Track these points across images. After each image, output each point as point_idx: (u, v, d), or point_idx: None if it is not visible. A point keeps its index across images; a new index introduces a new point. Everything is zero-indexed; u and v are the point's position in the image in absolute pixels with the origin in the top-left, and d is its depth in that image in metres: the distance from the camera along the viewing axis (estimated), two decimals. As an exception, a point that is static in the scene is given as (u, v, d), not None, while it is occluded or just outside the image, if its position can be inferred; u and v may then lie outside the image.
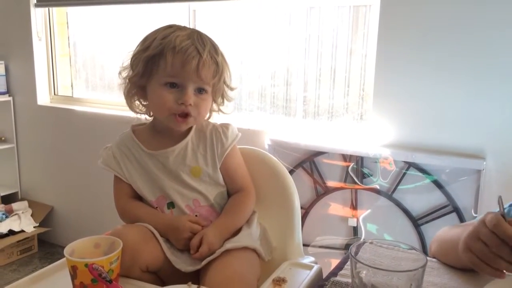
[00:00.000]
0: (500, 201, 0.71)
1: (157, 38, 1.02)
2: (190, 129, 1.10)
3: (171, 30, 1.03)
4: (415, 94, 1.85)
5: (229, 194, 1.14)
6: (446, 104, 1.81)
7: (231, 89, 1.12)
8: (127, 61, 1.07)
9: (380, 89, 1.92)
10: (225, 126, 1.12)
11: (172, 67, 1.00)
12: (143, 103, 1.10)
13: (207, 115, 1.14)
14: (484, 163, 1.74)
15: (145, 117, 1.13)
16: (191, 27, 1.22)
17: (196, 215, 1.07)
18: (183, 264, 1.00)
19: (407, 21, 1.83)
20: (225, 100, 1.13)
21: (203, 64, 1.00)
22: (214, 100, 1.10)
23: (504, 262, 0.70)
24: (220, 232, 1.03)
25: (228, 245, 1.00)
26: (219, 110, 1.14)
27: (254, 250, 1.04)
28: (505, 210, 0.90)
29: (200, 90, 1.04)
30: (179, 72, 1.00)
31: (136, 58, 1.05)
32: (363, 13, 2.06)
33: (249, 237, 1.06)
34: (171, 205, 1.08)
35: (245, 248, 1.02)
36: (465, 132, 1.79)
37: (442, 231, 1.00)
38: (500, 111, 1.73)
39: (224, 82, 1.08)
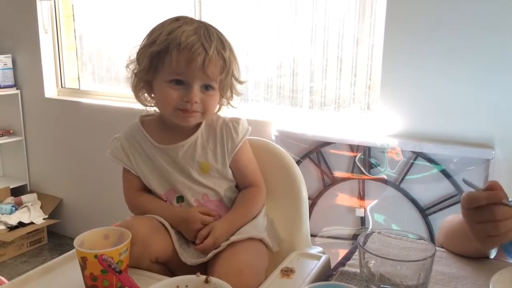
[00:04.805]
0: (466, 183, 0.77)
1: (163, 32, 0.99)
2: (200, 123, 1.08)
3: (177, 24, 1.00)
4: (422, 83, 1.83)
5: (239, 188, 1.13)
6: (454, 93, 1.79)
7: (240, 82, 1.10)
8: (133, 55, 1.05)
9: (387, 78, 1.90)
10: (236, 121, 1.10)
11: (177, 65, 0.97)
12: (151, 96, 1.09)
13: (217, 108, 1.11)
14: (493, 152, 1.73)
15: (154, 109, 1.12)
16: (197, 17, 1.20)
17: (205, 208, 1.07)
18: (188, 257, 1.00)
19: (415, 10, 1.81)
20: (234, 94, 1.10)
21: (209, 61, 0.97)
22: (222, 95, 1.07)
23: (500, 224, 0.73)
24: (229, 227, 1.03)
25: (233, 237, 1.00)
26: (228, 103, 1.12)
27: (261, 241, 1.05)
28: None
29: (206, 87, 1.01)
30: (184, 69, 0.98)
31: (142, 53, 1.03)
32: (370, 2, 2.04)
33: (255, 227, 1.06)
34: (180, 198, 1.07)
35: (252, 239, 1.02)
36: (474, 121, 1.78)
37: (447, 220, 0.99)
38: (509, 99, 1.71)
39: (233, 76, 1.06)
